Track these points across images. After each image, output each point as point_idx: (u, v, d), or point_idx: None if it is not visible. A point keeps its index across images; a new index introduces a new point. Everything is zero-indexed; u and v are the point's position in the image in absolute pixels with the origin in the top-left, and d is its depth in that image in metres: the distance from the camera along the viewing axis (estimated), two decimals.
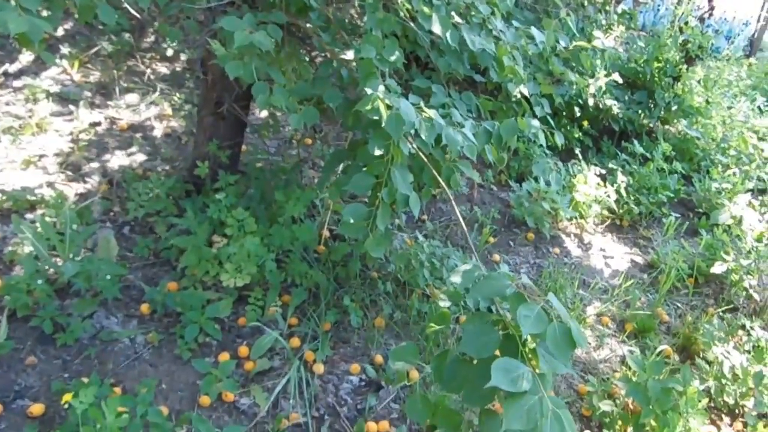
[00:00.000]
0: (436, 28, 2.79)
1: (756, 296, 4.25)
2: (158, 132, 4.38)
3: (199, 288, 3.22)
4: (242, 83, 2.79)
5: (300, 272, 3.34)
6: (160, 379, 2.82)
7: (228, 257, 3.17)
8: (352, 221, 2.80)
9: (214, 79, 3.52)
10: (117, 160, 3.96)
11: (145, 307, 3.09)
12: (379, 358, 3.17)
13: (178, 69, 5.06)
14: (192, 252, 3.20)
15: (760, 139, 5.81)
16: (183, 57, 5.19)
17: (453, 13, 3.02)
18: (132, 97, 4.60)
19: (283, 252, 3.43)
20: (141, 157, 4.05)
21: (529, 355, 1.94)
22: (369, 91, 2.59)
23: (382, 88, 2.67)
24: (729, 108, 6.58)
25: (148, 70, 4.92)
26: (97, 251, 3.24)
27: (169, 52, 5.14)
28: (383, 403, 2.99)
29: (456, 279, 2.28)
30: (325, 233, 3.74)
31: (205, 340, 3.05)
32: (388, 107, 2.59)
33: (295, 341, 3.12)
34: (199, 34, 3.32)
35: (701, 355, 3.70)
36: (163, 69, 5.05)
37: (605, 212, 4.91)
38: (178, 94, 4.70)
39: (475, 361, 2.05)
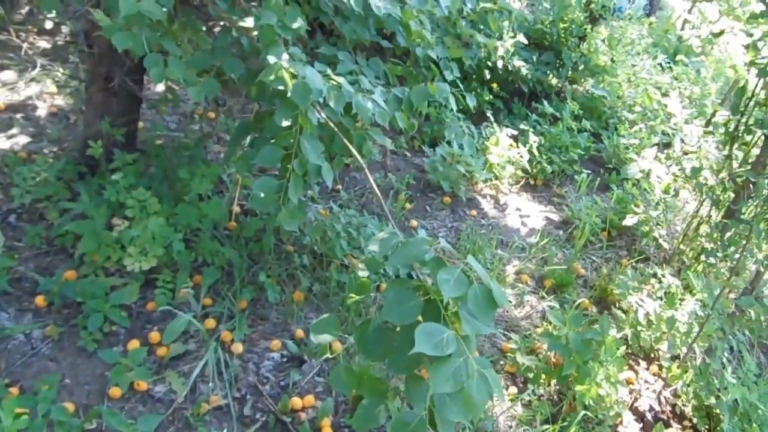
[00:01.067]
0: None
1: (665, 245, 4.51)
2: (42, 111, 4.14)
3: (102, 275, 3.09)
4: (133, 56, 2.67)
5: (211, 251, 3.27)
6: (63, 374, 2.70)
7: (131, 240, 3.05)
8: (262, 195, 2.76)
9: (101, 53, 3.35)
10: None
11: (40, 300, 2.94)
12: (300, 333, 3.16)
13: (60, 43, 4.78)
14: (90, 237, 3.05)
15: (663, 94, 6.13)
16: (65, 30, 4.90)
17: None
18: (8, 75, 4.32)
19: (191, 231, 3.33)
20: (24, 140, 3.82)
21: (452, 319, 1.98)
22: (272, 60, 2.54)
23: (286, 56, 2.62)
24: (633, 66, 6.88)
25: (25, 45, 4.63)
26: None
27: (48, 25, 4.84)
28: (307, 378, 2.98)
29: (374, 247, 2.28)
30: (236, 209, 3.67)
31: (112, 329, 2.94)
32: (293, 76, 2.55)
33: (211, 322, 3.06)
34: (80, 3, 3.14)
35: (617, 305, 3.90)
36: (42, 43, 4.76)
37: (519, 172, 5.06)
38: (62, 70, 4.45)
39: (398, 329, 2.07)
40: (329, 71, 2.87)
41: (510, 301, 3.84)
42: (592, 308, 3.93)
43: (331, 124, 2.84)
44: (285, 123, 2.63)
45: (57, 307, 2.95)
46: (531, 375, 3.31)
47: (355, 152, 2.96)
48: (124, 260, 3.05)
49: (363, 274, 3.34)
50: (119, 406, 2.65)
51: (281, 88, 2.52)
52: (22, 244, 3.20)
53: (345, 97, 2.81)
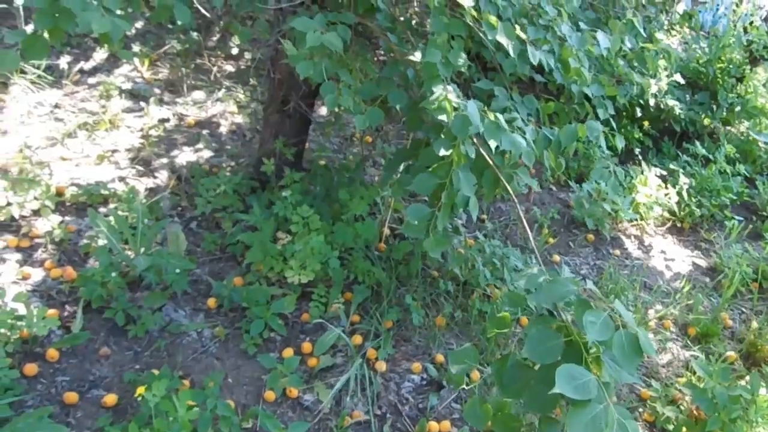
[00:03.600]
0: (501, 39, 2.68)
1: None
2: (224, 129, 4.37)
3: (264, 283, 3.19)
4: (310, 82, 2.74)
5: (363, 270, 3.28)
6: (226, 373, 2.79)
7: (293, 254, 3.12)
8: (416, 222, 2.72)
9: (282, 78, 3.48)
10: (185, 156, 3.96)
11: (212, 302, 3.07)
12: (440, 357, 3.09)
13: (243, 67, 5.05)
14: (257, 248, 3.16)
15: None
16: (248, 56, 5.17)
17: (516, 22, 2.92)
18: (199, 95, 4.61)
19: (345, 249, 3.37)
20: (207, 154, 4.04)
21: (593, 363, 1.84)
22: (438, 91, 2.51)
23: (450, 88, 2.58)
24: None
25: (215, 68, 4.92)
26: (167, 245, 3.24)
27: (234, 51, 5.13)
28: (444, 403, 2.90)
29: (520, 283, 2.18)
30: (386, 231, 3.67)
31: (270, 335, 3.01)
32: (455, 108, 2.50)
33: (358, 338, 3.06)
34: (268, 34, 3.27)
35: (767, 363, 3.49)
36: (228, 67, 5.05)
37: (666, 214, 4.70)
38: (243, 92, 4.68)
39: (537, 367, 1.96)
40: (485, 107, 2.80)
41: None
42: (739, 363, 3.55)
43: (488, 158, 2.76)
44: (443, 153, 2.58)
45: (225, 309, 3.08)
46: (671, 427, 3.03)
47: (506, 185, 2.86)
48: (286, 272, 3.12)
49: (504, 307, 3.22)
50: (272, 409, 2.70)
51: (441, 119, 2.48)
52: (200, 249, 3.37)
53: (500, 133, 2.73)
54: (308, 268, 3.12)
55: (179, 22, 2.46)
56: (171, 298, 3.04)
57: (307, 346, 2.97)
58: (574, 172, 4.86)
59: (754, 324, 3.78)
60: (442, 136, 2.62)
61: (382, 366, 2.98)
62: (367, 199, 3.35)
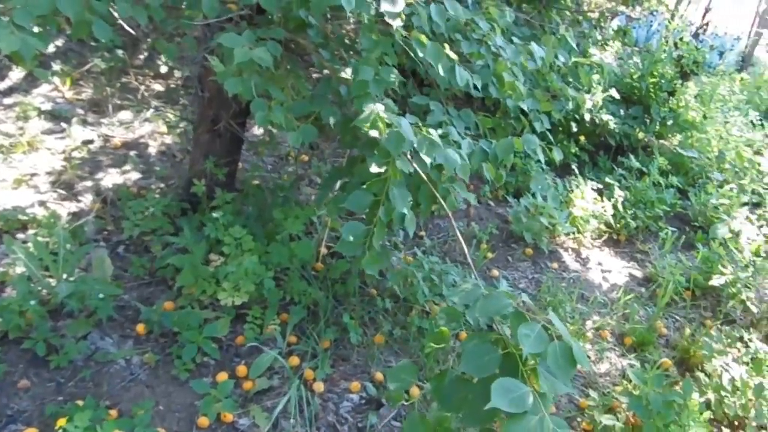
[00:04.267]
0: (430, 59, 2.80)
1: (753, 308, 4.26)
2: (153, 150, 4.37)
3: (196, 307, 3.20)
4: (240, 100, 2.80)
5: (299, 290, 3.33)
6: (157, 401, 2.79)
7: (225, 276, 3.15)
8: (351, 239, 2.80)
9: (211, 96, 3.52)
10: (111, 178, 3.94)
11: (141, 328, 3.06)
12: (379, 376, 3.15)
13: (172, 86, 5.06)
14: (189, 271, 3.18)
15: (755, 153, 5.87)
16: (177, 74, 5.19)
17: (449, 37, 3.06)
18: (125, 115, 4.60)
19: (281, 270, 3.41)
20: (135, 176, 4.03)
21: (530, 375, 1.93)
22: (369, 108, 2.60)
23: (381, 106, 2.68)
24: (725, 123, 6.63)
25: (142, 87, 4.92)
26: (92, 271, 3.22)
27: (163, 69, 5.14)
28: (384, 421, 2.96)
29: (456, 298, 2.27)
30: (323, 250, 3.73)
31: (203, 359, 3.02)
32: (388, 125, 2.60)
33: (295, 360, 3.10)
34: (196, 50, 3.32)
35: (700, 368, 3.70)
36: (156, 86, 5.05)
37: (602, 227, 4.93)
38: (172, 111, 4.69)
39: (475, 380, 2.04)
40: (419, 123, 2.91)
41: (589, 357, 3.71)
42: (674, 369, 3.75)
43: (422, 174, 2.86)
44: (376, 170, 2.67)
45: (155, 335, 3.07)
46: None
47: (443, 202, 2.97)
48: (218, 294, 3.15)
49: (442, 323, 3.32)
50: None
51: (375, 135, 2.57)
52: (128, 274, 3.36)
53: (435, 149, 2.84)
54: (242, 290, 3.16)
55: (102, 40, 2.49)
56: (96, 325, 3.02)
57: (242, 370, 3.00)
58: (512, 187, 5.05)
59: (687, 331, 4.00)
60: (376, 152, 2.72)
61: (320, 387, 3.02)
62: (302, 219, 3.42)
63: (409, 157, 2.84)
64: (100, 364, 2.87)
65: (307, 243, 3.45)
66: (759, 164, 4.82)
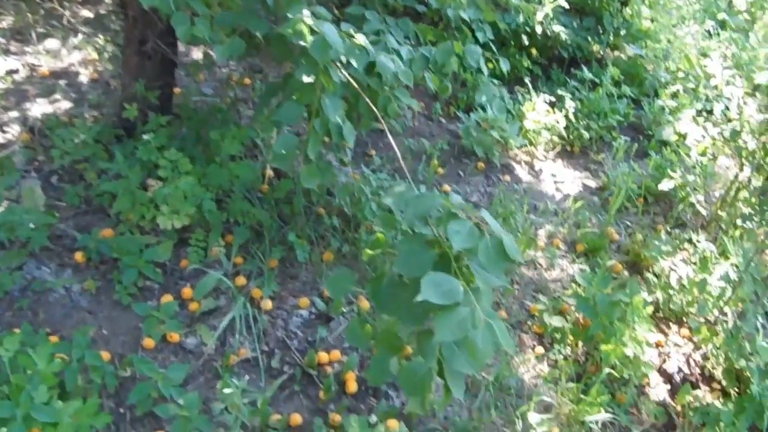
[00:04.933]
0: None
1: (703, 211, 4.39)
2: (84, 78, 4.24)
3: (137, 233, 3.18)
4: (162, 16, 2.71)
5: (241, 211, 3.32)
6: (100, 326, 2.80)
7: (164, 199, 3.12)
8: (284, 152, 2.79)
9: (136, 15, 3.41)
10: (39, 108, 3.82)
11: (79, 255, 3.04)
12: (328, 292, 3.20)
13: (102, 12, 4.88)
14: (125, 196, 3.14)
15: (702, 55, 5.93)
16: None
17: None
18: (52, 43, 4.43)
19: (224, 192, 3.39)
20: (66, 105, 3.92)
21: (465, 272, 1.96)
22: (293, 15, 2.55)
23: (307, 12, 2.62)
24: (674, 26, 6.64)
25: (67, 13, 4.73)
26: (23, 202, 3.16)
27: None
28: (334, 334, 3.03)
29: (389, 201, 2.29)
30: (269, 172, 3.71)
31: (146, 284, 3.03)
32: (313, 32, 2.55)
33: (241, 280, 3.12)
34: None
35: (650, 270, 3.83)
36: (85, 12, 4.86)
37: (555, 139, 4.97)
38: (102, 38, 4.53)
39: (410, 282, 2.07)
40: (353, 31, 2.86)
41: (540, 264, 3.81)
42: (625, 273, 3.87)
43: (354, 84, 2.83)
44: (306, 80, 2.64)
45: (95, 263, 3.06)
46: (558, 335, 3.30)
47: (377, 112, 2.95)
48: (158, 218, 3.12)
49: (378, 229, 3.36)
50: (153, 356, 2.74)
51: (302, 44, 2.52)
52: (63, 204, 3.31)
53: (366, 56, 2.81)
54: (182, 213, 3.13)
55: None
56: (31, 255, 2.99)
57: (187, 292, 3.01)
58: (463, 102, 5.04)
59: (639, 236, 4.12)
60: (304, 62, 2.68)
61: (268, 304, 3.06)
62: (240, 138, 3.37)
63: (341, 65, 2.81)
64: (38, 293, 2.86)
65: (248, 163, 3.42)
66: (705, 66, 4.86)
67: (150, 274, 3.00)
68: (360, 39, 2.78)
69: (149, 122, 3.43)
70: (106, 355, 2.63)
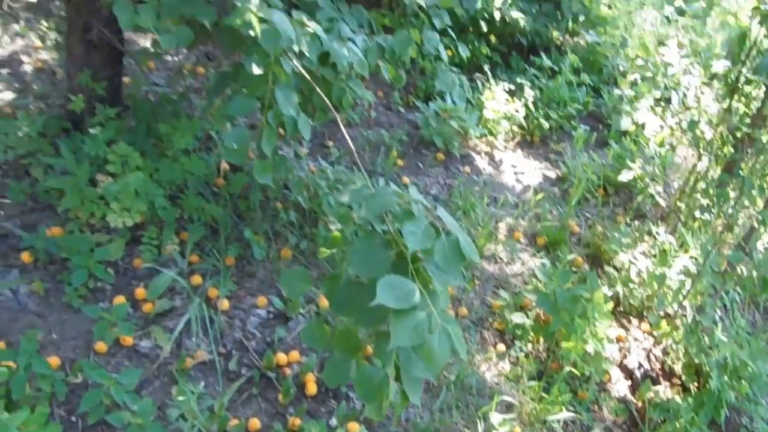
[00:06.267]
0: None
1: (662, 202, 4.51)
2: (28, 67, 4.12)
3: (87, 231, 3.12)
4: (104, 4, 2.64)
5: (196, 207, 3.28)
6: (49, 330, 2.75)
7: (114, 196, 3.07)
8: (236, 146, 2.75)
9: (78, 2, 3.32)
10: None
11: (26, 256, 2.97)
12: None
13: None
14: (72, 193, 3.07)
15: (659, 43, 6.05)
16: None
17: None
18: None
19: (177, 188, 3.35)
20: (8, 95, 3.81)
21: (421, 272, 1.97)
22: (240, 3, 2.51)
23: (255, 0, 2.59)
24: (631, 12, 6.76)
25: None
26: None
27: None
28: (293, 334, 3.03)
29: (345, 198, 2.28)
30: (225, 166, 3.67)
31: (97, 285, 2.98)
32: (262, 21, 2.52)
33: (197, 279, 3.09)
34: None
35: (610, 263, 3.92)
36: None
37: (515, 128, 5.03)
38: (46, 24, 4.40)
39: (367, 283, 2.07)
40: (305, 18, 2.82)
41: (501, 258, 3.87)
42: (585, 266, 3.96)
43: (306, 75, 2.80)
44: (257, 71, 2.61)
45: (43, 263, 2.99)
46: (519, 332, 3.35)
47: (329, 104, 2.94)
48: (108, 216, 3.07)
49: (335, 227, 3.36)
50: (105, 360, 2.71)
51: (251, 34, 2.49)
52: (8, 201, 3.22)
53: (319, 45, 2.78)
54: (133, 210, 3.08)
55: None
56: None
57: (140, 292, 2.97)
58: (422, 92, 5.05)
59: (599, 228, 4.21)
60: (254, 53, 2.64)
61: (224, 304, 3.05)
62: (191, 132, 3.32)
63: (293, 55, 2.77)
64: None
65: (201, 158, 3.38)
66: (663, 55, 4.96)
67: (101, 275, 2.96)
68: (312, 26, 2.76)
69: (97, 114, 3.36)
70: (55, 361, 2.58)
